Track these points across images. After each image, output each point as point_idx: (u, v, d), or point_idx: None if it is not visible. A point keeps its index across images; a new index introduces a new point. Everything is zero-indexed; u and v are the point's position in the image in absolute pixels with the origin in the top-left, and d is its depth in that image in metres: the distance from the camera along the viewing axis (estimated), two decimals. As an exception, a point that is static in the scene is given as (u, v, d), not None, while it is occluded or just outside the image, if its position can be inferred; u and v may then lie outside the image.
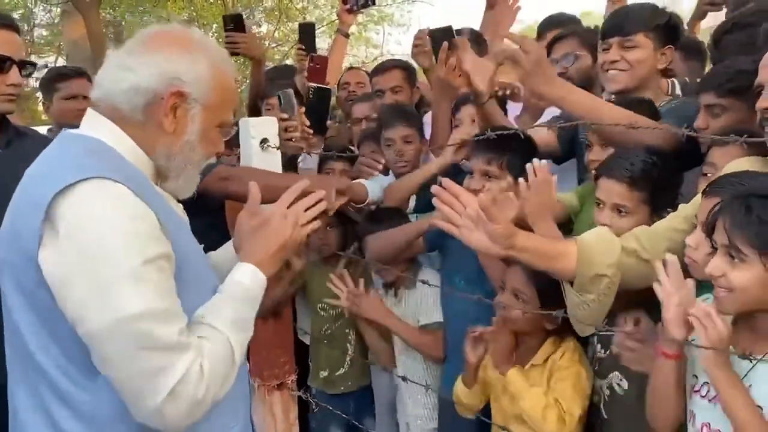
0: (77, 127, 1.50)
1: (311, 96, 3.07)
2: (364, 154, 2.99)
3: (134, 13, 14.87)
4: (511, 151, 2.18)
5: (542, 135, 2.49)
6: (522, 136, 2.16)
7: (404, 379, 2.48)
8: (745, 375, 1.49)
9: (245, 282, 1.53)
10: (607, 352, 2.02)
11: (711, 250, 1.52)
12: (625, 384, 1.96)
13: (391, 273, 2.59)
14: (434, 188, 1.81)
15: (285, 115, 2.72)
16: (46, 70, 4.05)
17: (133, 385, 1.31)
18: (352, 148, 3.17)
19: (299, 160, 3.15)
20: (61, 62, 18.20)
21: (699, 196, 1.79)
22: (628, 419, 1.93)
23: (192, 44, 1.48)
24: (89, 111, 1.49)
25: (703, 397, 1.59)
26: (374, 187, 2.66)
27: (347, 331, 2.84)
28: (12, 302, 1.39)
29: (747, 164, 1.75)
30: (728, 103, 2.04)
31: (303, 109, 3.02)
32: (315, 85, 3.12)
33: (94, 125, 1.47)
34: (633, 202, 1.91)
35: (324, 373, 2.90)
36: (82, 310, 1.29)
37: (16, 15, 17.00)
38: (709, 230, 1.51)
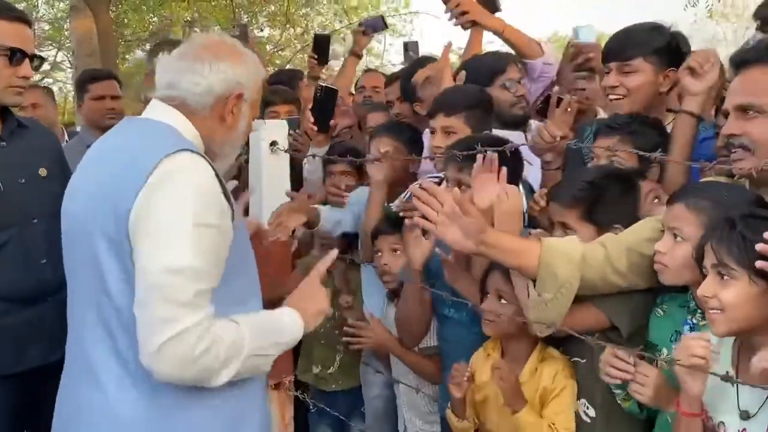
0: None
1: (318, 94, 3.07)
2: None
3: (137, 12, 14.87)
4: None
5: None
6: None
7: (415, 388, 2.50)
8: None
9: (284, 318, 1.79)
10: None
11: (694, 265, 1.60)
12: (591, 412, 1.96)
13: (394, 281, 2.59)
14: (413, 188, 1.86)
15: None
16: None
17: (145, 325, 1.55)
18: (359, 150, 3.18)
19: (304, 162, 3.18)
20: (61, 57, 18.21)
21: (644, 221, 1.86)
22: None
23: (242, 54, 1.81)
24: (154, 101, 1.78)
25: None
26: (344, 215, 2.72)
27: (337, 332, 2.85)
28: (100, 250, 1.63)
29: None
30: None
31: (309, 106, 3.08)
32: (324, 84, 3.13)
33: (162, 113, 1.76)
34: (572, 219, 1.98)
35: (316, 370, 2.97)
36: (142, 248, 1.56)
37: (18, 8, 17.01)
38: (699, 258, 1.57)
